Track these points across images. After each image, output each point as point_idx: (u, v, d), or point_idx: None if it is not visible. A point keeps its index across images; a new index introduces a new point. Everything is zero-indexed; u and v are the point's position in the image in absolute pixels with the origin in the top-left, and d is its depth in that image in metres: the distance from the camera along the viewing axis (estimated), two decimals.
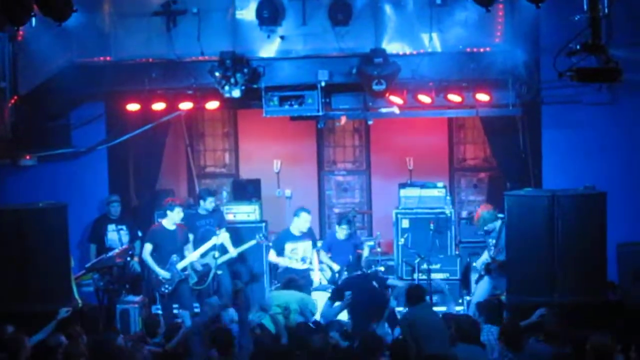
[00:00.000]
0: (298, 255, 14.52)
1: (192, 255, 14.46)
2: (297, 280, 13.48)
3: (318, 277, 14.78)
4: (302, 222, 14.68)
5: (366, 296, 13.05)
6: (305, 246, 14.72)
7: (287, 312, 12.81)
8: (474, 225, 14.67)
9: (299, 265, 14.53)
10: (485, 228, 13.89)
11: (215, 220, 15.11)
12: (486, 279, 13.82)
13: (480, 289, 13.87)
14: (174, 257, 14.37)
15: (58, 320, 11.45)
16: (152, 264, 14.32)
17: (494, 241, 13.66)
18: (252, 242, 15.11)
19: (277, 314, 12.78)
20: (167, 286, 14.33)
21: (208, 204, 15.05)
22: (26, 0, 11.05)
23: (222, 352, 10.26)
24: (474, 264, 14.28)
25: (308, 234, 14.84)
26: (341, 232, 14.97)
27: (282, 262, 14.74)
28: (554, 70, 11.65)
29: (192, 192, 17.76)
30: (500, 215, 13.44)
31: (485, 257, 13.90)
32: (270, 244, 15.12)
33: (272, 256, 14.92)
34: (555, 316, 10.76)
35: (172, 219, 14.39)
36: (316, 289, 14.49)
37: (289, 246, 14.62)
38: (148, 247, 14.42)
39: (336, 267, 14.73)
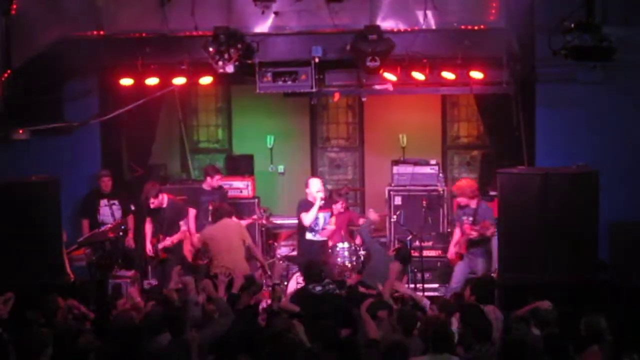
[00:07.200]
0: None
1: (167, 241, 14.35)
2: None
3: None
4: None
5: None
6: None
7: None
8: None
9: None
10: (462, 201, 13.88)
11: (219, 197, 15.12)
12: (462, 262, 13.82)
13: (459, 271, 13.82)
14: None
15: None
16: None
17: (470, 219, 13.66)
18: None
19: None
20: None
21: (215, 181, 15.21)
22: None
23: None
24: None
25: None
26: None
27: None
28: (548, 49, 11.70)
29: (184, 167, 17.76)
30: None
31: (457, 237, 13.83)
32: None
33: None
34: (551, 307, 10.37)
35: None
36: None
37: None
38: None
39: None
